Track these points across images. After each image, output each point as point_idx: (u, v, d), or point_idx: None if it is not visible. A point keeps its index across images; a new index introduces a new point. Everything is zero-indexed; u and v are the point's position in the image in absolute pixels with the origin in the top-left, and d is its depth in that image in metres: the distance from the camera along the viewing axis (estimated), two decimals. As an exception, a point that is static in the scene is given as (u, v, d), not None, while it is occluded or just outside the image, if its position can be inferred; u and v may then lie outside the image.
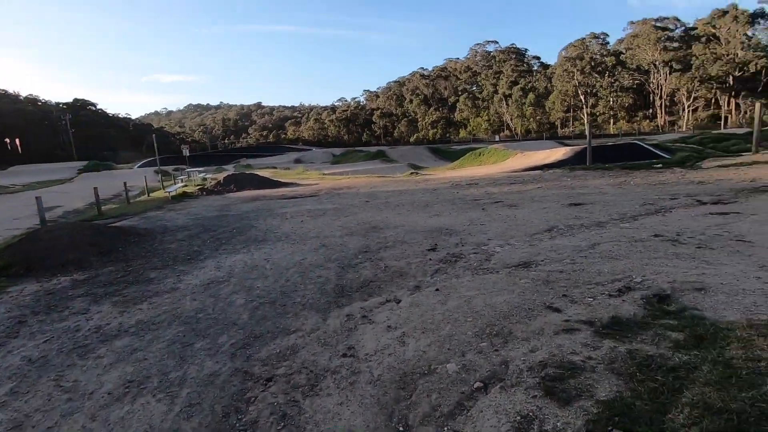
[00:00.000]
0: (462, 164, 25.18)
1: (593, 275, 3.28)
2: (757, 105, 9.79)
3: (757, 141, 9.18)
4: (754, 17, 61.54)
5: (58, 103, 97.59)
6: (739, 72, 58.92)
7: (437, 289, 3.43)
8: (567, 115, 79.41)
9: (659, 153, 18.28)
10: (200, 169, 27.01)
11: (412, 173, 17.69)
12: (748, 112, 58.70)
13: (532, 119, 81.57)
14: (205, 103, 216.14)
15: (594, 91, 73.37)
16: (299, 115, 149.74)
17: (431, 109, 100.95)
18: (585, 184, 8.20)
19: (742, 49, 59.66)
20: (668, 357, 2.01)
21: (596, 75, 71.41)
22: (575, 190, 7.62)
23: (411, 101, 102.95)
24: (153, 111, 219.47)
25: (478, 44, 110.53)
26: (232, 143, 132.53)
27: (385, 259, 4.44)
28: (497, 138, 68.15)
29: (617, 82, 70.69)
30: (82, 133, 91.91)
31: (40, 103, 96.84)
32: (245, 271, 4.51)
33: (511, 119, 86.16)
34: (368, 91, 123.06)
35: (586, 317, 2.56)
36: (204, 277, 4.42)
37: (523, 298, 3.00)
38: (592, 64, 72.33)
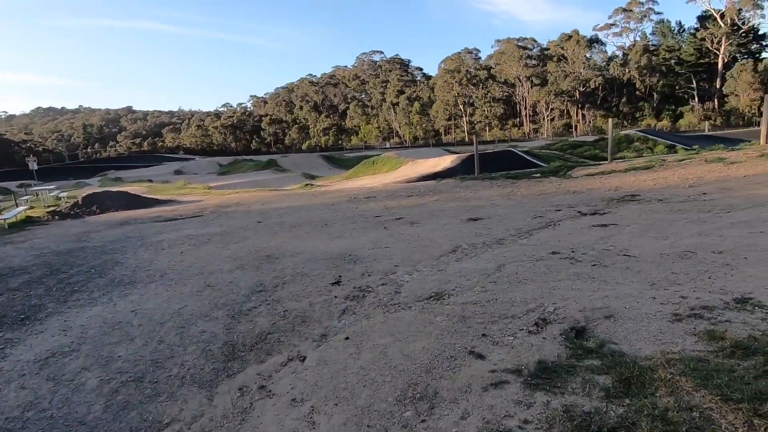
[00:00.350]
0: (357, 173, 25.19)
1: (507, 305, 3.17)
2: (610, 121, 11.29)
3: (611, 152, 10.56)
4: (591, 42, 72.97)
5: None
6: (583, 87, 69.15)
7: (347, 338, 3.01)
8: (449, 123, 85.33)
9: (531, 159, 20.33)
10: (52, 185, 22.89)
11: (307, 185, 17.04)
12: (592, 122, 69.35)
13: (418, 126, 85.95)
14: (59, 107, 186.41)
15: (471, 101, 79.97)
16: (179, 121, 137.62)
17: (322, 115, 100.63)
18: (477, 195, 8.50)
19: (583, 68, 70.21)
20: (604, 412, 1.87)
21: (472, 87, 77.94)
22: (470, 202, 7.82)
23: (301, 108, 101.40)
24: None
25: (364, 53, 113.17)
26: (96, 153, 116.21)
27: (284, 300, 3.88)
28: (388, 144, 70.45)
29: (489, 94, 78.00)
30: None
31: None
32: (103, 332, 3.56)
33: (400, 126, 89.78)
34: (255, 96, 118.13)
35: (512, 364, 2.37)
36: (42, 348, 3.37)
37: (443, 342, 2.73)
38: (468, 76, 78.78)
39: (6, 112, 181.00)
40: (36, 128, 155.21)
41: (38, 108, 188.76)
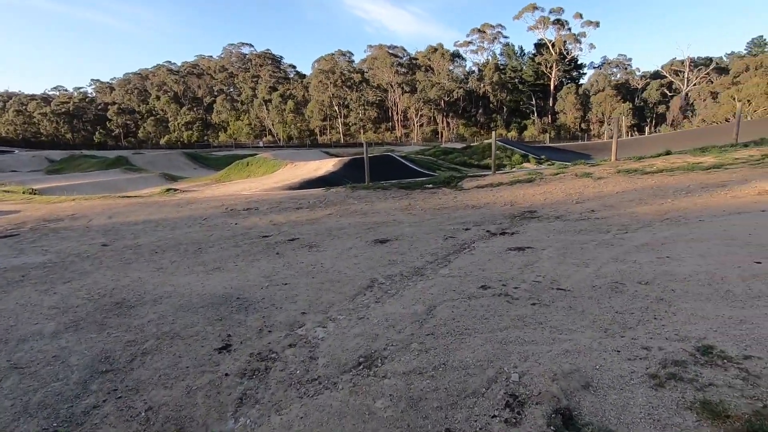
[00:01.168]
0: (228, 175, 22.78)
1: (461, 374, 2.53)
2: (494, 134, 11.82)
3: (495, 164, 11.04)
4: (453, 56, 79.73)
5: None
6: (447, 97, 75.12)
7: (253, 458, 2.02)
8: (324, 123, 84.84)
9: (411, 165, 20.78)
10: None
11: (168, 189, 14.55)
12: (455, 129, 75.81)
13: (293, 126, 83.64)
14: None
15: (346, 103, 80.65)
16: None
17: (184, 108, 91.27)
18: (374, 209, 7.91)
19: (447, 79, 76.29)
20: None
21: (347, 89, 78.65)
22: (369, 217, 7.18)
23: (158, 98, 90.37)
24: None
25: (232, 45, 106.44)
26: None
27: (145, 387, 2.65)
28: (261, 143, 66.75)
29: (363, 97, 79.66)
30: None
31: None
32: None
33: (273, 124, 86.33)
34: (99, 81, 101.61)
35: (508, 490, 1.71)
36: None
37: (397, 453, 1.95)
38: (343, 78, 79.28)
39: None
40: None
41: None
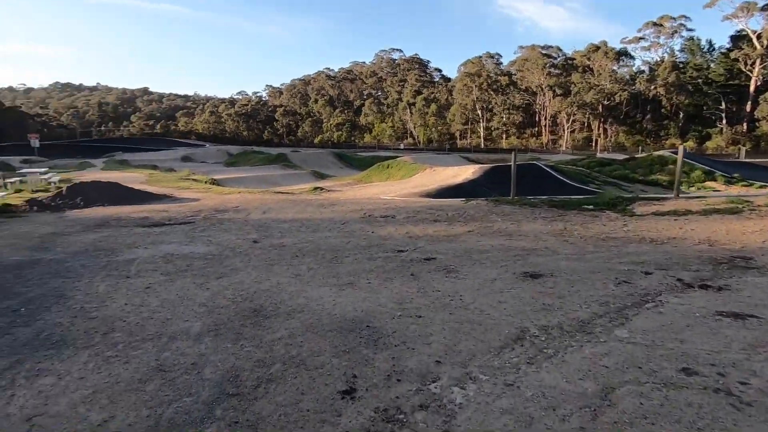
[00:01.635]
0: (369, 177, 23.72)
1: None
2: (681, 148, 9.69)
3: (678, 185, 8.98)
4: (619, 55, 70.84)
5: None
6: (607, 101, 67.10)
7: None
8: (465, 127, 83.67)
9: (560, 177, 18.73)
10: (42, 169, 21.76)
11: (316, 188, 15.60)
12: (613, 137, 67.32)
13: (434, 129, 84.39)
14: (77, 83, 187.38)
15: (489, 107, 78.17)
16: (193, 106, 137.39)
17: (337, 110, 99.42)
18: (521, 230, 6.98)
19: (609, 81, 68.10)
20: None
21: (492, 92, 76.14)
22: (515, 240, 6.31)
23: (316, 101, 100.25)
24: (7, 86, 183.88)
25: (383, 51, 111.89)
26: (110, 131, 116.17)
27: (263, 425, 2.42)
28: (401, 145, 68.91)
29: (509, 101, 76.09)
30: None
31: None
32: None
33: (414, 127, 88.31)
34: (271, 86, 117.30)
35: None
36: None
37: None
38: (488, 81, 76.97)
39: (24, 84, 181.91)
40: (53, 103, 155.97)
41: (56, 83, 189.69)
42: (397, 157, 38.83)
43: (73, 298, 4.52)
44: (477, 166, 20.30)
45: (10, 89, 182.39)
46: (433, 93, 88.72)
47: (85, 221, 9.34)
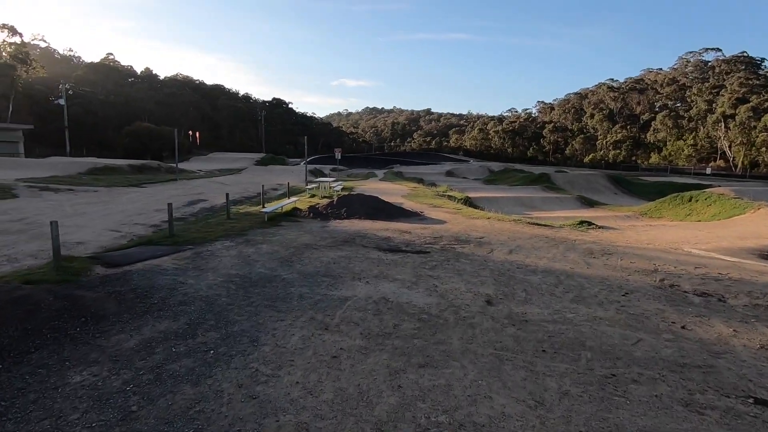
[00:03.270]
0: (659, 210, 18.16)
1: None
2: None
3: None
4: None
5: (257, 101, 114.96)
6: None
7: None
8: (825, 147, 58.44)
9: None
10: (329, 179, 25.82)
11: (582, 222, 12.47)
12: None
13: (764, 149, 62.50)
14: (380, 107, 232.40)
15: None
16: (465, 124, 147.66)
17: (616, 126, 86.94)
18: None
19: None
20: None
21: None
22: None
23: (592, 116, 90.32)
24: (336, 112, 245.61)
25: (691, 52, 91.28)
26: (397, 146, 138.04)
27: None
28: (708, 170, 53.32)
29: None
30: (273, 129, 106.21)
31: (251, 101, 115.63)
32: None
33: (730, 146, 67.96)
34: (542, 102, 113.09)
35: None
36: None
37: None
38: None
39: (347, 110, 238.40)
40: (362, 123, 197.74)
41: (366, 107, 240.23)
42: (703, 185, 29.51)
43: (260, 350, 3.80)
44: None
45: (338, 113, 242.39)
46: (767, 101, 65.60)
47: (337, 235, 9.67)
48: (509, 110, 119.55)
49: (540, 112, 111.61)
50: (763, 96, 67.68)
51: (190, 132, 41.90)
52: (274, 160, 60.09)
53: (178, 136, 30.94)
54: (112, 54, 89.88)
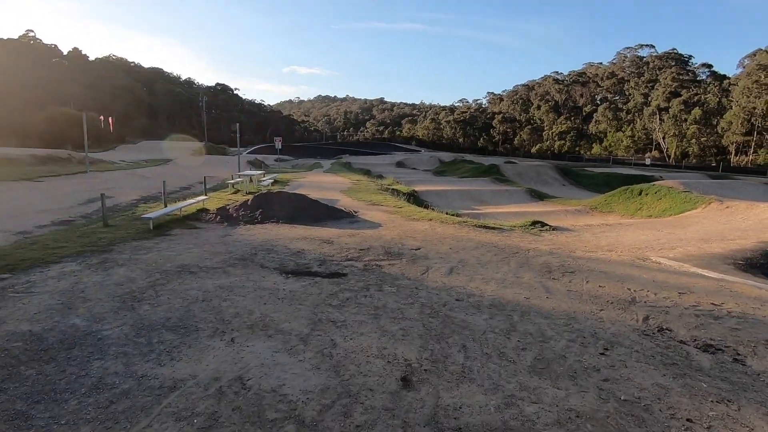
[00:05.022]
0: (609, 204, 17.33)
1: None
2: None
3: None
4: None
5: (201, 86, 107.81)
6: None
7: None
8: (747, 139, 62.68)
9: None
10: (257, 171, 23.35)
11: (535, 223, 11.03)
12: None
13: (693, 140, 66.02)
14: (333, 95, 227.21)
15: (796, 111, 56.00)
16: (417, 114, 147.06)
17: (561, 117, 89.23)
18: None
19: None
20: None
21: (804, 90, 54.21)
22: None
23: (539, 107, 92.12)
24: (287, 100, 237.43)
25: (627, 48, 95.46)
26: (350, 135, 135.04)
27: None
28: (647, 160, 55.31)
29: (836, 102, 52.63)
30: (218, 117, 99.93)
31: (194, 86, 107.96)
32: None
33: (664, 138, 71.31)
34: (492, 93, 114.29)
35: None
36: None
37: None
38: (801, 75, 55.14)
39: (299, 98, 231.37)
40: (314, 112, 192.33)
41: (318, 96, 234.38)
42: (648, 177, 29.72)
43: None
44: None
45: (290, 101, 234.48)
46: (697, 95, 69.35)
47: (236, 248, 7.48)
48: (460, 100, 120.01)
49: (490, 102, 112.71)
50: (692, 90, 71.55)
51: (110, 118, 37.27)
52: (213, 150, 55.72)
53: (91, 123, 26.88)
54: (32, 31, 79.92)
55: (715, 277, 6.05)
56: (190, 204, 11.34)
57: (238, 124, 26.04)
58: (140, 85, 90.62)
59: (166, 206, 11.25)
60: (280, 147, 33.24)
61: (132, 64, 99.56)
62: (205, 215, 10.70)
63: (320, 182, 21.83)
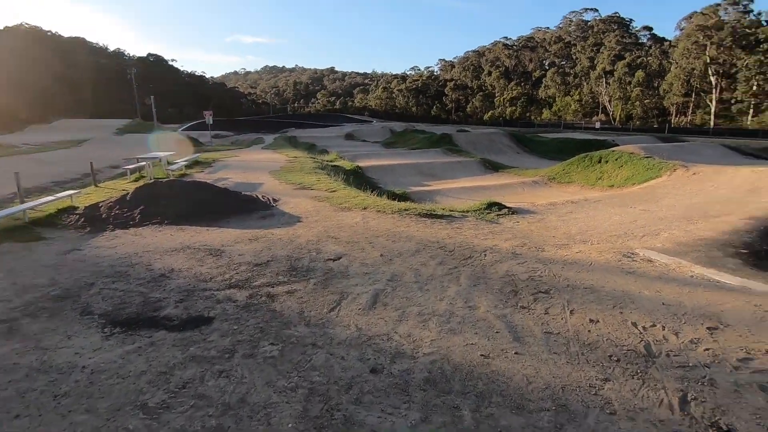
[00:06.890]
0: (568, 174, 15.93)
1: None
2: None
3: None
4: None
5: (132, 57, 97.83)
6: None
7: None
8: (686, 100, 64.55)
9: None
10: (164, 153, 20.31)
11: (492, 205, 9.17)
12: None
13: (637, 102, 67.27)
14: (281, 65, 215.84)
15: (731, 71, 57.82)
16: (369, 83, 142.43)
17: (512, 83, 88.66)
18: None
19: None
20: None
21: (739, 50, 55.76)
22: None
23: (489, 73, 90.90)
24: (232, 71, 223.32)
25: (573, 12, 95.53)
26: (301, 107, 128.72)
27: None
28: (597, 124, 55.61)
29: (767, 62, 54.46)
30: (153, 91, 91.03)
31: (124, 57, 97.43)
32: None
33: (610, 101, 72.45)
34: (444, 60, 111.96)
35: None
36: None
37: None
38: (734, 36, 56.58)
39: (244, 69, 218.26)
40: (261, 84, 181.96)
41: (265, 66, 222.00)
42: (600, 141, 28.98)
43: None
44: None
45: (235, 73, 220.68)
46: (639, 58, 70.37)
47: (65, 278, 5.05)
48: (412, 68, 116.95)
49: (442, 70, 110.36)
50: (636, 53, 72.61)
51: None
52: (142, 127, 50.23)
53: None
54: None
55: (736, 286, 4.41)
56: (49, 201, 8.54)
57: (152, 96, 22.47)
58: (58, 56, 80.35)
59: (19, 205, 8.39)
60: (210, 122, 29.69)
61: (49, 34, 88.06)
62: (68, 217, 8.02)
63: (251, 161, 19.07)
